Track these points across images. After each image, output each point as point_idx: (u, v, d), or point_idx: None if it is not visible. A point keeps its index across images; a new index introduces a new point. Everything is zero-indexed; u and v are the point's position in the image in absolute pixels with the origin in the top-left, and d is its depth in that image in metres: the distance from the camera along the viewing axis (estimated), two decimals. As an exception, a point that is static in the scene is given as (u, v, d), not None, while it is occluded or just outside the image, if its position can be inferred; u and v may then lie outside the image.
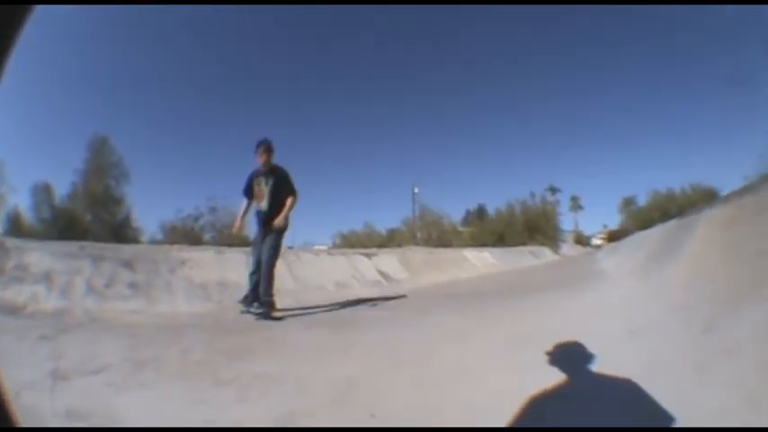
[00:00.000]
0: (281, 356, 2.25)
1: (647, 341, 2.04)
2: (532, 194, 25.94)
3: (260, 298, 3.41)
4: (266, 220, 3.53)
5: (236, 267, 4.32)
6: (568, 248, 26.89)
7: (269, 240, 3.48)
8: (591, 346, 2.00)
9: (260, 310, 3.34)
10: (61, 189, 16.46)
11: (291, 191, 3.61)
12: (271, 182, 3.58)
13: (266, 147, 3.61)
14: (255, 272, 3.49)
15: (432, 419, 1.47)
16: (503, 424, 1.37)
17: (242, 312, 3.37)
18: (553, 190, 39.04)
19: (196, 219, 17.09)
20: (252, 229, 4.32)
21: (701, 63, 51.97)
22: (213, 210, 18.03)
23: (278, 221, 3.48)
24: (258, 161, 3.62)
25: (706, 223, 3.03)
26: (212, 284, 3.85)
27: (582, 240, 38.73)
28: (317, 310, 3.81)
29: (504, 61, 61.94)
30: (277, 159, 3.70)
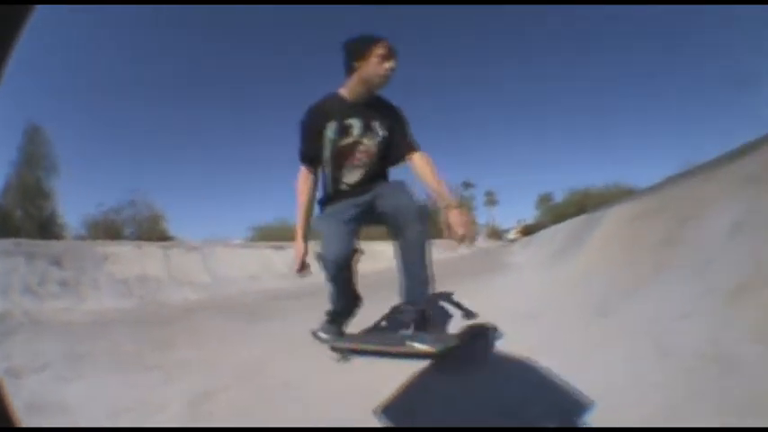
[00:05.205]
0: (199, 344, 2.58)
1: (544, 323, 2.18)
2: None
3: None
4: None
5: (154, 262, 4.47)
6: (482, 242, 27.51)
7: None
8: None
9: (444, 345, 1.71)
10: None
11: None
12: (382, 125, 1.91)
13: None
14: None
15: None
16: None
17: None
18: (467, 185, 41.29)
19: (117, 212, 16.23)
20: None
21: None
22: (133, 203, 17.28)
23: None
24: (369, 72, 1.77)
25: (612, 217, 3.19)
26: (133, 280, 3.90)
27: (496, 234, 40.82)
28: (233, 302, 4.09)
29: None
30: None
